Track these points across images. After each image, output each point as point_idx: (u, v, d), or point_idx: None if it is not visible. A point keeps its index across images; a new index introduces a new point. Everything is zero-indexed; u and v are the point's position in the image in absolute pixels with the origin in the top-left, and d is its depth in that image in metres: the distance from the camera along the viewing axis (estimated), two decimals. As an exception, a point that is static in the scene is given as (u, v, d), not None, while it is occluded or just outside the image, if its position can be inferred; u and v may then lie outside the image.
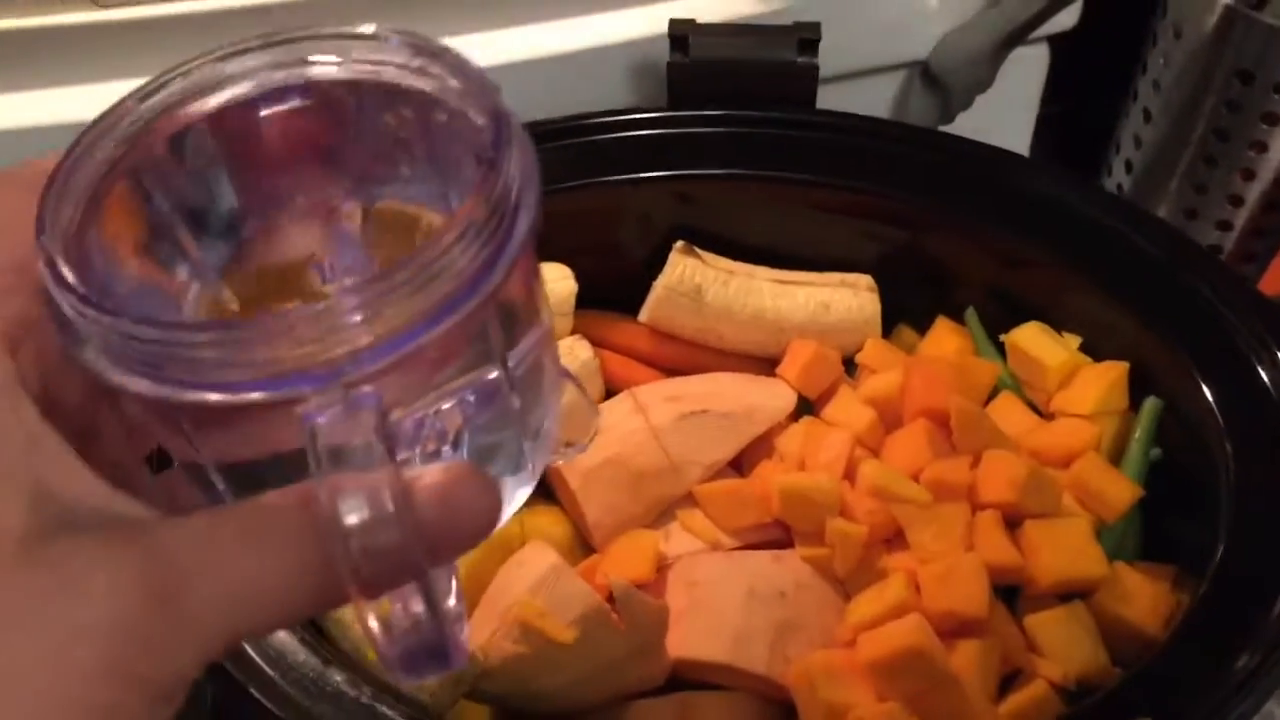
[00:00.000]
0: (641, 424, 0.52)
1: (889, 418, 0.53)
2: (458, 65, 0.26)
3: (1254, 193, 0.71)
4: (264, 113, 0.27)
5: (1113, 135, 0.80)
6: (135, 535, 0.23)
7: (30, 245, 0.24)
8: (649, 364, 0.59)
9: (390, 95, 0.27)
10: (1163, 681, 0.42)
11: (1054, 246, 0.57)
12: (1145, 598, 0.48)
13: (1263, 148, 0.68)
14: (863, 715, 0.44)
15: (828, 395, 0.56)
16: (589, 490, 0.51)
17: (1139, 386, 0.53)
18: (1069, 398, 0.54)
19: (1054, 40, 0.77)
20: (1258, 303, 0.51)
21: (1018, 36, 0.69)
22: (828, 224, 0.60)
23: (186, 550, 0.23)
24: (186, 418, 0.24)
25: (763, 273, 0.59)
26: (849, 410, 0.54)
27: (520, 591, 0.47)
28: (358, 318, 0.22)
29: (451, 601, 0.27)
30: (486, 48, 0.66)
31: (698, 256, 0.58)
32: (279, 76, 0.27)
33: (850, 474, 0.51)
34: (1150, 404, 0.53)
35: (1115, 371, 0.53)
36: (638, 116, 0.59)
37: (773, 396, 0.55)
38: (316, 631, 0.46)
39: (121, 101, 0.26)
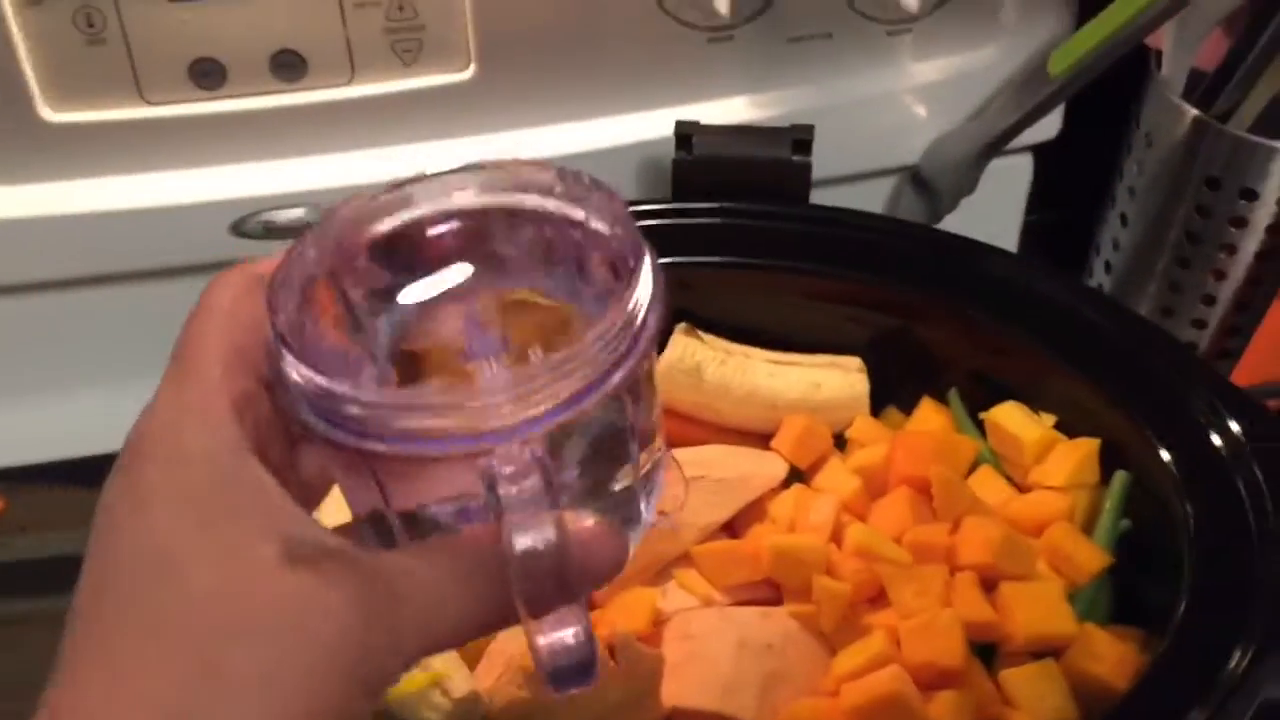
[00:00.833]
0: (642, 489, 0.56)
1: (874, 486, 0.57)
2: (605, 198, 0.33)
3: (1226, 292, 0.75)
4: (431, 231, 0.35)
5: (1093, 240, 0.84)
6: (352, 565, 0.29)
7: (248, 332, 0.31)
8: (651, 437, 0.62)
9: (540, 215, 0.34)
10: (1126, 728, 0.45)
11: (1032, 333, 0.61)
12: (1113, 656, 0.51)
13: (1232, 250, 0.73)
14: (844, 758, 0.47)
15: (817, 466, 0.59)
16: (591, 549, 0.55)
17: (1110, 462, 0.57)
18: (1044, 471, 0.57)
19: (1037, 150, 0.82)
20: (1209, 378, 0.55)
21: (999, 144, 0.74)
22: (820, 310, 0.65)
23: (399, 578, 0.29)
24: (383, 468, 0.31)
25: (758, 354, 0.63)
26: (837, 479, 0.57)
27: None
28: (536, 393, 0.29)
29: None
30: (507, 146, 0.72)
31: (698, 337, 0.62)
32: (449, 201, 0.35)
33: (837, 537, 0.55)
34: (1119, 477, 0.56)
35: (1087, 447, 0.57)
36: (644, 208, 0.64)
37: (765, 465, 0.58)
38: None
39: (330, 214, 0.34)
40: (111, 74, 0.65)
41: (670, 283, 0.33)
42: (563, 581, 0.29)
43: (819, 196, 0.68)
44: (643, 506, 0.36)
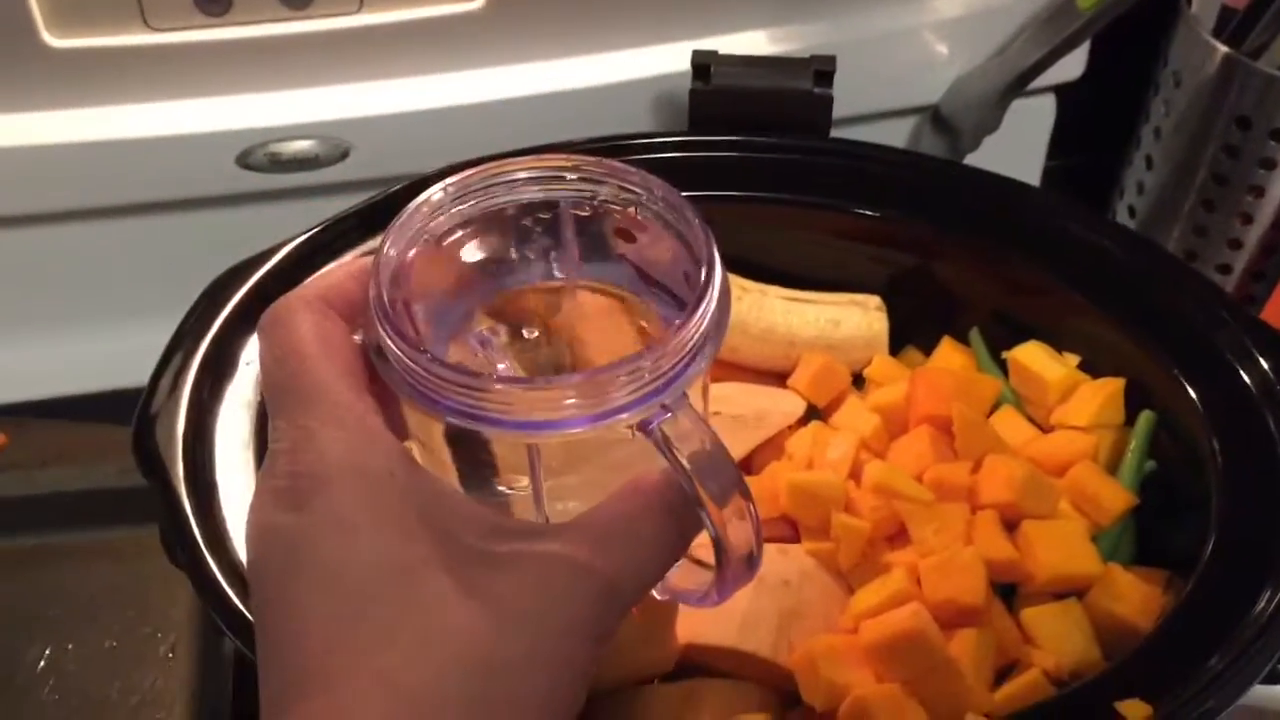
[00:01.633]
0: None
1: (894, 425, 0.56)
2: (683, 211, 0.37)
3: (1252, 236, 0.73)
4: (523, 220, 0.38)
5: (1117, 183, 0.83)
6: (556, 540, 0.32)
7: (347, 353, 0.34)
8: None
9: (622, 216, 0.38)
10: (1151, 666, 0.44)
11: (1056, 270, 0.59)
12: (1137, 597, 0.50)
13: (1260, 193, 0.71)
14: (862, 695, 0.46)
15: (835, 404, 0.58)
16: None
17: (1135, 402, 0.56)
18: (1067, 412, 0.56)
19: (1060, 90, 0.81)
20: (1238, 315, 0.53)
21: (1023, 81, 0.72)
22: (839, 248, 0.63)
23: (614, 543, 0.32)
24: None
25: (775, 291, 0.61)
26: (856, 416, 0.56)
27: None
28: (663, 367, 0.33)
29: None
30: (518, 80, 0.70)
31: (714, 273, 0.60)
32: (535, 195, 0.38)
33: (856, 475, 0.53)
34: (1144, 417, 0.55)
35: (1111, 387, 0.55)
36: (660, 140, 0.63)
37: (782, 403, 0.57)
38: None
39: (417, 207, 0.36)
40: (115, -1, 0.63)
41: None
42: (737, 474, 0.34)
43: (837, 135, 0.67)
44: None
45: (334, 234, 0.57)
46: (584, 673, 0.31)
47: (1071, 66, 0.77)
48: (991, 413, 0.58)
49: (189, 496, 0.48)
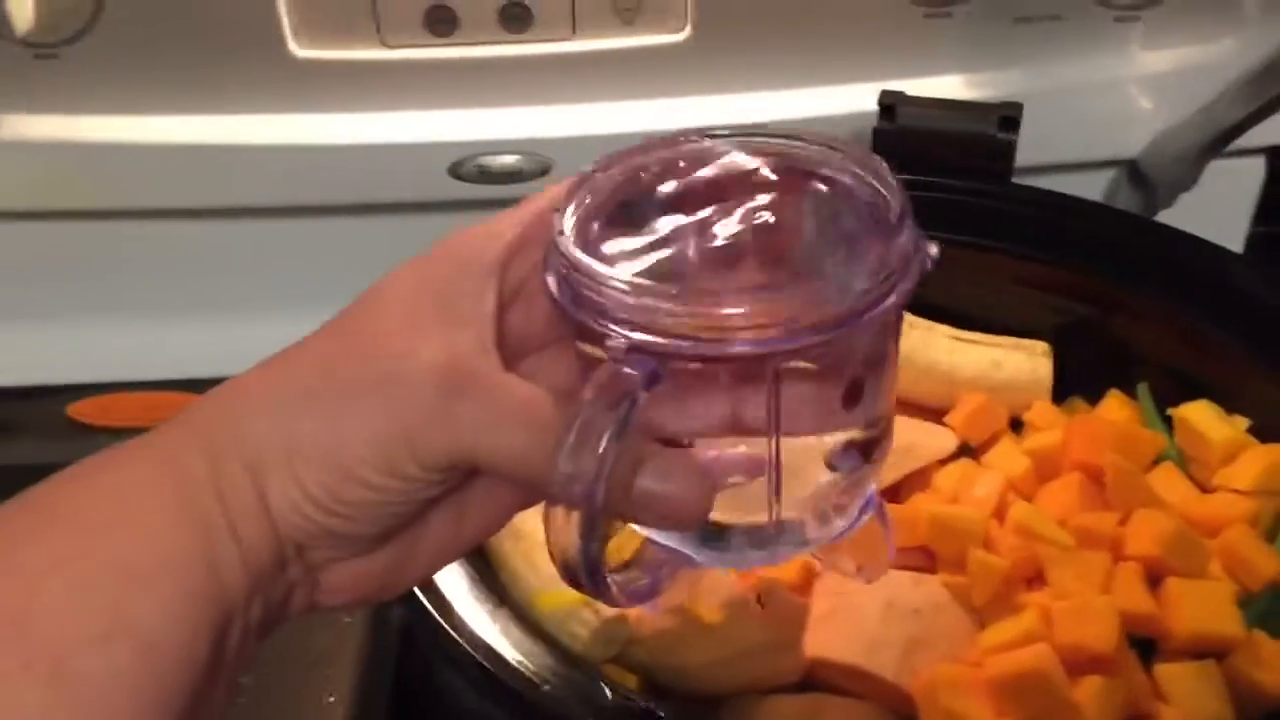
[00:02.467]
0: (809, 447, 0.57)
1: (1046, 470, 0.56)
2: (878, 168, 0.33)
3: None
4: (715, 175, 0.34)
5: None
6: (479, 376, 0.31)
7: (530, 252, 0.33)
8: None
9: (816, 179, 0.34)
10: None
11: (1236, 332, 0.58)
12: (1282, 666, 0.48)
13: None
14: (978, 727, 0.46)
15: (989, 444, 0.58)
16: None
17: (1304, 472, 0.54)
18: (1230, 474, 0.55)
19: (1272, 153, 0.78)
20: None
21: (1226, 139, 0.70)
22: (1014, 292, 0.64)
23: (485, 382, 0.31)
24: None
25: (941, 329, 0.62)
26: (1007, 458, 0.56)
27: (676, 573, 0.51)
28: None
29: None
30: (718, 109, 0.73)
31: (882, 306, 0.62)
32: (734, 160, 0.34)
33: (1000, 513, 0.54)
34: (1312, 486, 0.53)
35: (1279, 453, 0.54)
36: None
37: (934, 438, 0.58)
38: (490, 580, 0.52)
39: (621, 154, 0.34)
40: (356, 17, 0.70)
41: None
42: (590, 489, 0.29)
43: (1032, 183, 0.67)
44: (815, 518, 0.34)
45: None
46: (373, 458, 0.31)
47: (1284, 129, 0.75)
48: (1151, 469, 0.57)
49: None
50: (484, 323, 0.32)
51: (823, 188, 0.34)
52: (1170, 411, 0.58)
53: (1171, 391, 0.60)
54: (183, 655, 0.29)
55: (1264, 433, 0.56)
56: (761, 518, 0.33)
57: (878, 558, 0.38)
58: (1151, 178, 0.74)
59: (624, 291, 0.29)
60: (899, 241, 0.31)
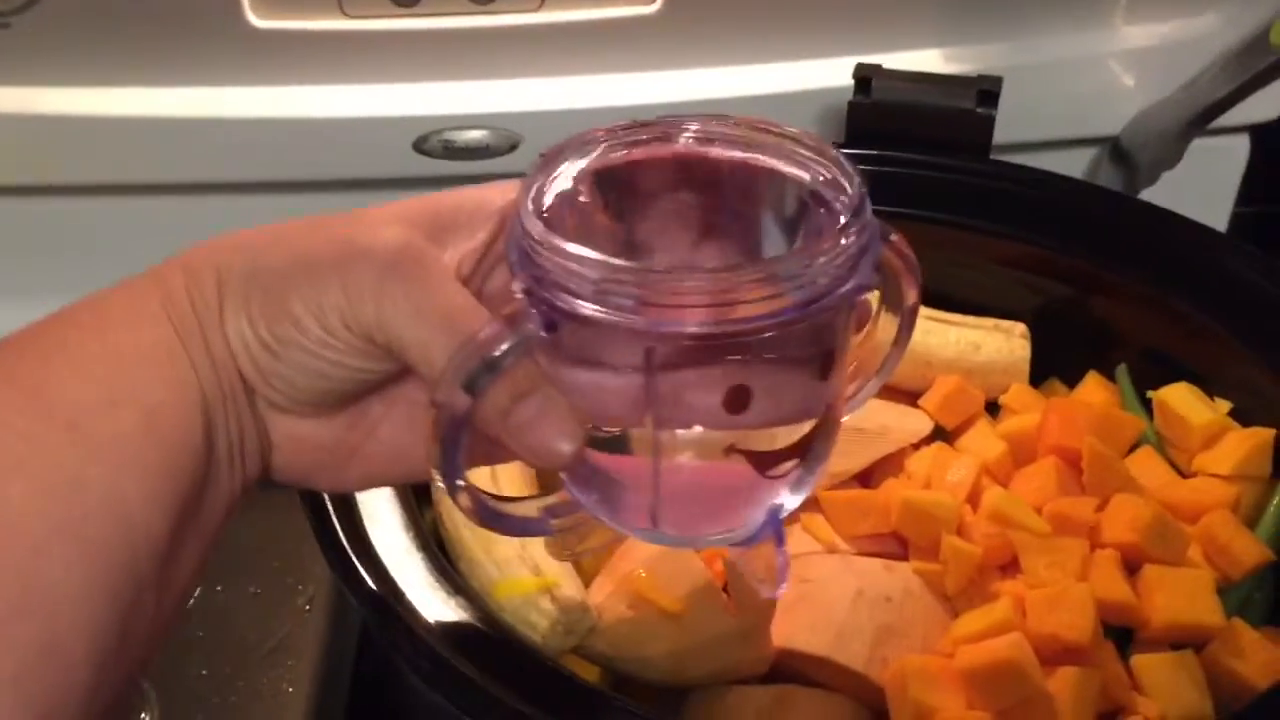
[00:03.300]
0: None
1: (1022, 454, 0.54)
2: (835, 159, 0.34)
3: None
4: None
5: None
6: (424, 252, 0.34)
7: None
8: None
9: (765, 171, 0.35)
10: (1261, 726, 0.42)
11: (1217, 313, 0.57)
12: (1261, 657, 0.47)
13: None
14: (950, 719, 0.45)
15: (964, 428, 0.57)
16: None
17: (1285, 456, 0.53)
18: (1210, 458, 0.53)
19: (1255, 131, 0.77)
20: None
21: (1208, 116, 0.69)
22: (991, 271, 0.62)
23: (426, 274, 0.33)
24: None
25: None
26: (982, 442, 0.55)
27: (640, 559, 0.50)
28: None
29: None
30: (688, 85, 0.71)
31: (856, 286, 0.60)
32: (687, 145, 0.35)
33: (974, 499, 0.52)
34: (1293, 471, 0.52)
35: (1260, 437, 0.53)
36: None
37: (907, 421, 0.56)
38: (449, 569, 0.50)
39: (583, 137, 0.35)
40: (316, -15, 0.68)
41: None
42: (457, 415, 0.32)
43: (1013, 160, 0.65)
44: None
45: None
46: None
47: (1268, 106, 0.74)
48: (1130, 453, 0.56)
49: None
50: (466, 252, 0.35)
51: (780, 173, 0.35)
52: (1150, 394, 0.57)
53: (1151, 373, 0.58)
54: (181, 436, 0.32)
55: (1245, 416, 0.55)
56: (643, 497, 0.35)
57: (771, 577, 0.37)
58: (1133, 155, 0.73)
59: (538, 242, 0.31)
60: (841, 242, 0.31)
